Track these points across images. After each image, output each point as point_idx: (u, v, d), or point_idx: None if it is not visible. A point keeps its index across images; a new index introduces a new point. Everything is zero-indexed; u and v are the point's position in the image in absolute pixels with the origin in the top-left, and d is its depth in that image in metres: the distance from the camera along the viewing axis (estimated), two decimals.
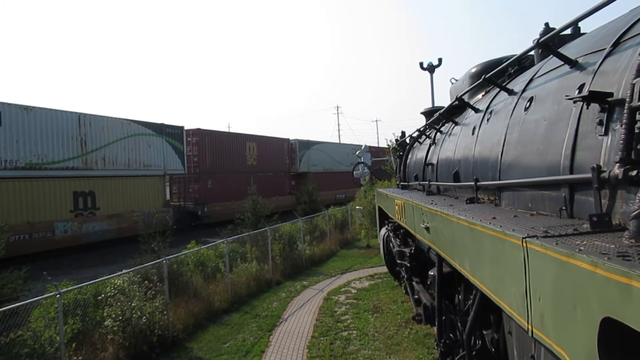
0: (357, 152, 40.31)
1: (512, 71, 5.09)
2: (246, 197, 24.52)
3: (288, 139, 38.00)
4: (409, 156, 10.36)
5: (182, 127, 26.75)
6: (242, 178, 29.88)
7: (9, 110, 17.19)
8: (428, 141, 8.10)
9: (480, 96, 6.10)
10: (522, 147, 3.41)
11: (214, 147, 29.40)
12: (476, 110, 5.37)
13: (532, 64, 4.56)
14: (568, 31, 3.73)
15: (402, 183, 10.55)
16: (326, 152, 42.88)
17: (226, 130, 53.94)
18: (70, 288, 7.73)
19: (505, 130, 3.81)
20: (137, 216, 22.74)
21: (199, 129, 28.43)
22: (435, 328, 6.21)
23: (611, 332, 1.52)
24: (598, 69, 2.60)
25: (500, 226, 2.59)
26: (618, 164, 1.98)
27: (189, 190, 28.13)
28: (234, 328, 9.51)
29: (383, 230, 11.35)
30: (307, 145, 40.40)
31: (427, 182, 7.08)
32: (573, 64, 3.00)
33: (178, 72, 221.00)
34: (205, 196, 27.81)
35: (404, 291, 10.54)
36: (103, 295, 8.45)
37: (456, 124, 6.25)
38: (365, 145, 40.61)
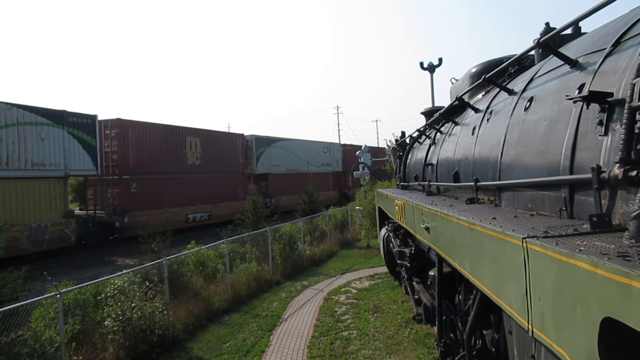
0: (357, 152, 40.12)
1: (512, 71, 5.09)
2: (185, 204, 23.43)
3: (242, 135, 32.18)
4: (409, 156, 10.36)
5: (94, 116, 20.73)
6: (180, 181, 25.32)
7: None
8: (428, 141, 8.10)
9: (480, 96, 6.10)
10: (522, 147, 3.41)
11: (141, 142, 23.31)
12: (476, 110, 5.37)
13: (532, 64, 4.56)
14: (568, 31, 3.73)
15: (402, 183, 10.55)
16: (291, 150, 37.23)
17: (226, 130, 51.45)
18: (70, 288, 7.73)
19: (505, 130, 3.81)
20: (19, 231, 16.72)
21: (119, 119, 22.46)
22: (435, 328, 6.21)
23: (611, 332, 1.52)
24: (598, 68, 2.60)
25: (500, 226, 2.59)
26: (618, 164, 1.98)
27: (107, 195, 22.21)
28: (234, 328, 9.51)
29: (383, 231, 11.35)
30: (266, 142, 34.81)
31: (427, 183, 7.07)
32: (573, 63, 3.00)
33: (178, 72, 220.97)
34: (127, 203, 21.93)
35: (404, 291, 10.54)
36: (102, 295, 8.46)
37: (456, 124, 6.25)
38: (366, 146, 40.45)
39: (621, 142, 1.98)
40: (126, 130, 22.61)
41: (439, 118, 7.12)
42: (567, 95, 2.68)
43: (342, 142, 66.77)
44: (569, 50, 3.25)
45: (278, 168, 35.22)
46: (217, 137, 29.70)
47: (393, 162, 21.29)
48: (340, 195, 42.01)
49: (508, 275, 2.48)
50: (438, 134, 7.43)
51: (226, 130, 52.95)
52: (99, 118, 21.36)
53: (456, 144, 5.72)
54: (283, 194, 33.99)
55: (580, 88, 2.68)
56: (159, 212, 23.08)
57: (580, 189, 2.56)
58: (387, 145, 28.48)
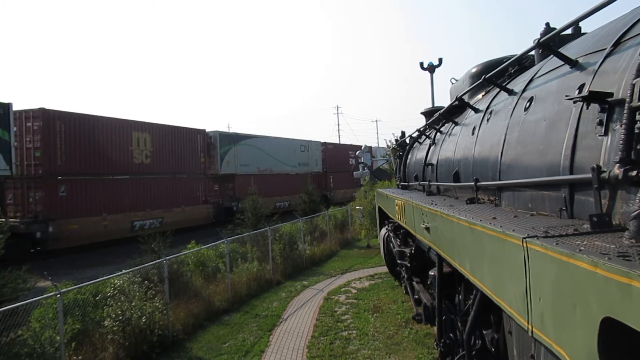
0: (357, 152, 40.06)
1: (512, 71, 5.09)
2: (131, 210, 20.25)
3: (204, 130, 27.99)
4: (409, 156, 10.36)
5: (7, 105, 16.98)
6: (124, 182, 21.66)
7: None
8: (428, 141, 8.10)
9: (480, 96, 6.10)
10: (522, 147, 3.41)
11: (73, 137, 19.36)
12: (476, 111, 5.37)
13: (532, 64, 4.56)
14: (569, 31, 3.73)
15: (402, 183, 10.55)
16: (263, 148, 33.25)
17: (226, 130, 49.92)
18: (70, 288, 7.73)
19: (505, 131, 3.81)
20: None
21: (43, 109, 18.48)
22: (435, 328, 6.21)
23: (611, 332, 1.52)
24: (598, 69, 2.60)
25: (501, 226, 2.59)
26: (618, 164, 1.98)
27: (29, 200, 18.25)
28: (234, 328, 9.51)
29: (383, 231, 11.35)
30: (233, 139, 30.70)
31: (427, 183, 7.07)
32: (573, 64, 3.00)
33: (178, 72, 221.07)
34: (52, 209, 18.18)
35: (404, 291, 10.54)
36: (101, 295, 8.46)
37: (456, 124, 6.25)
38: (366, 146, 40.45)
39: (621, 142, 1.98)
40: (52, 123, 18.60)
41: (439, 118, 7.12)
42: (567, 96, 2.68)
43: (341, 142, 62.53)
44: (569, 50, 3.25)
45: (247, 168, 31.05)
46: (173, 132, 25.52)
47: (393, 162, 21.28)
48: (320, 198, 40.07)
49: (508, 275, 2.48)
50: (438, 134, 7.43)
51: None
52: (16, 107, 17.99)
53: (456, 144, 5.72)
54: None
55: (580, 88, 2.68)
56: (95, 220, 19.57)
57: (580, 189, 2.56)
58: (388, 145, 28.32)
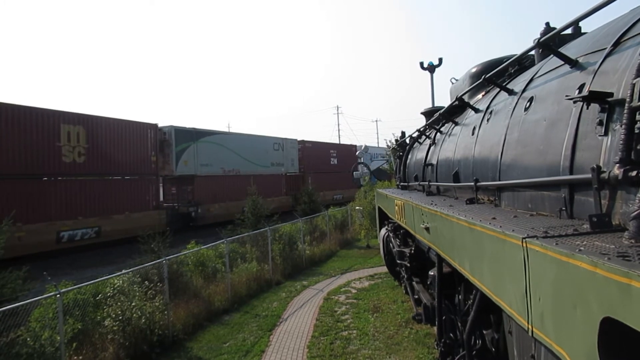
0: (357, 152, 39.92)
1: (512, 71, 5.10)
2: (57, 218, 16.94)
3: (156, 125, 23.92)
4: (409, 156, 10.36)
5: None
6: (49, 185, 18.16)
7: None
8: (428, 141, 8.10)
9: (480, 96, 6.10)
10: (522, 148, 3.41)
11: None
12: (476, 111, 5.37)
13: (532, 64, 4.56)
14: (569, 31, 3.74)
15: (402, 183, 10.55)
16: (228, 146, 29.34)
17: (226, 130, 47.51)
18: (70, 288, 7.73)
19: (505, 131, 3.81)
20: None
21: None
22: (435, 328, 6.21)
23: (611, 332, 1.52)
24: (598, 68, 2.60)
25: (500, 226, 2.59)
26: (618, 165, 1.98)
27: None
28: (234, 328, 9.51)
29: (383, 231, 11.35)
30: (192, 135, 26.67)
31: (427, 183, 7.07)
32: (573, 63, 3.00)
33: (178, 72, 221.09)
34: None
35: (404, 291, 10.54)
36: (101, 295, 8.46)
37: (456, 124, 6.25)
38: (366, 146, 40.34)
39: (621, 142, 1.98)
40: None
41: (439, 118, 7.12)
42: (567, 95, 2.68)
43: (340, 142, 60.86)
44: (569, 50, 3.25)
45: (208, 168, 27.30)
46: (115, 126, 21.30)
47: (393, 162, 21.27)
48: (295, 202, 32.99)
49: (508, 275, 2.48)
50: (438, 134, 7.43)
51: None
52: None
53: (456, 144, 5.72)
54: (216, 200, 26.99)
55: (581, 88, 2.68)
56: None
57: (580, 189, 2.56)
58: (388, 145, 28.17)
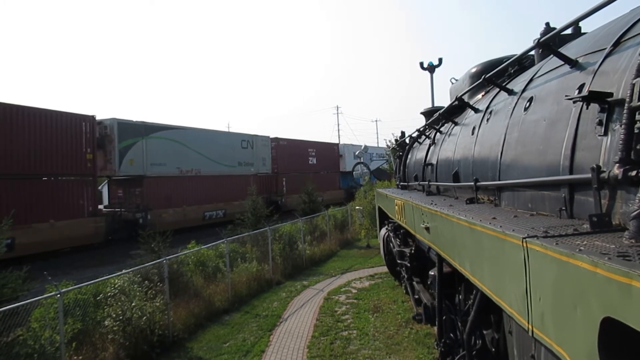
0: (357, 152, 39.80)
1: (512, 71, 5.10)
2: None
3: (93, 117, 20.28)
4: (409, 156, 10.36)
5: None
6: None
7: None
8: (428, 141, 8.10)
9: (480, 96, 6.10)
10: (521, 147, 3.41)
11: None
12: (476, 111, 5.37)
13: (532, 64, 4.56)
14: (568, 31, 3.73)
15: (401, 183, 10.55)
16: (186, 143, 25.63)
17: (226, 130, 46.01)
18: (70, 288, 7.73)
19: (505, 131, 3.81)
20: None
21: None
22: (435, 328, 6.21)
23: (611, 332, 1.52)
24: (598, 69, 2.60)
25: (500, 226, 2.59)
26: (618, 164, 1.98)
27: None
28: (234, 328, 9.51)
29: (383, 231, 11.35)
30: (140, 130, 22.91)
31: (426, 183, 7.08)
32: (573, 63, 3.00)
33: (178, 72, 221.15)
34: None
35: (404, 291, 10.55)
36: (102, 295, 8.46)
37: (456, 124, 6.25)
38: (365, 146, 40.13)
39: (621, 142, 1.98)
40: None
41: (439, 118, 7.12)
42: (567, 95, 2.68)
43: (339, 142, 57.88)
44: (569, 50, 3.25)
45: (161, 168, 23.84)
46: (37, 118, 17.71)
47: (393, 162, 21.27)
48: (267, 205, 27.46)
49: (508, 275, 2.48)
50: (438, 134, 7.43)
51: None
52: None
53: (456, 144, 5.72)
54: (171, 204, 23.84)
55: (580, 88, 2.68)
56: None
57: (580, 189, 2.56)
58: (388, 145, 28.07)
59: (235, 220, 17.48)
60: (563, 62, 3.11)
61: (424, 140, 8.98)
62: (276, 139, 34.74)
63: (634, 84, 1.99)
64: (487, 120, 4.60)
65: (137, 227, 20.60)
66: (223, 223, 22.96)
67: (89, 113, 20.99)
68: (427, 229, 4.88)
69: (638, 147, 1.95)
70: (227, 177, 28.31)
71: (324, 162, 39.88)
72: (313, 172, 37.57)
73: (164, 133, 24.56)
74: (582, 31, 4.03)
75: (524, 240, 2.17)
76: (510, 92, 4.19)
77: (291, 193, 32.78)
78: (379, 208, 11.86)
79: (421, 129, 9.21)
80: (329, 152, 41.87)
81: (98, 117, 20.99)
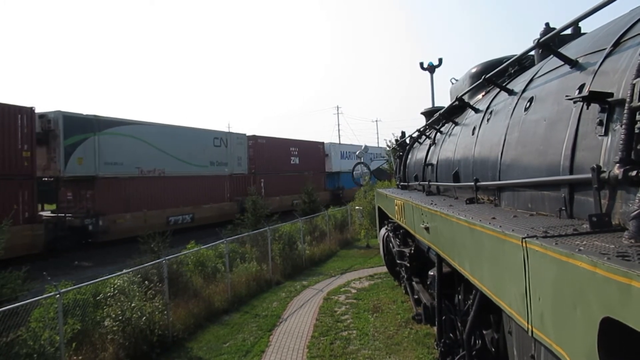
0: (357, 152, 39.51)
1: (512, 71, 5.10)
2: None
3: (31, 109, 17.77)
4: (409, 156, 10.36)
5: None
6: None
7: None
8: (428, 141, 8.10)
9: (480, 96, 6.11)
10: (522, 148, 3.41)
11: None
12: (476, 111, 5.37)
13: (532, 64, 4.56)
14: (568, 31, 3.74)
15: (401, 183, 10.55)
16: (149, 140, 23.09)
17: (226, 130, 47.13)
18: (69, 288, 7.73)
19: (505, 131, 3.81)
20: None
21: None
22: (435, 328, 6.21)
23: (611, 332, 1.52)
24: (598, 69, 2.60)
25: (500, 226, 2.59)
26: (618, 164, 1.98)
27: None
28: (234, 328, 9.51)
29: (383, 231, 11.35)
30: (91, 125, 20.20)
31: (427, 183, 7.07)
32: (573, 64, 3.00)
33: (178, 72, 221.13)
34: None
35: (403, 291, 10.54)
36: (102, 295, 8.46)
37: (456, 124, 6.25)
38: (365, 146, 39.79)
39: (621, 142, 1.98)
40: None
41: (439, 118, 7.12)
42: (567, 96, 2.68)
43: (340, 141, 55.73)
44: (569, 50, 3.25)
45: (117, 168, 21.28)
46: None
47: (393, 162, 21.26)
48: (241, 208, 25.90)
49: (508, 275, 2.48)
50: (438, 134, 7.43)
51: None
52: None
53: (456, 144, 5.72)
54: (128, 209, 21.48)
55: (581, 88, 2.68)
56: None
57: (580, 189, 2.56)
58: (388, 145, 27.96)
59: (207, 225, 15.99)
60: (563, 62, 3.11)
61: (424, 140, 8.97)
62: (254, 137, 32.25)
63: (634, 84, 1.99)
64: (488, 120, 4.60)
65: (86, 235, 19.13)
66: (190, 229, 22.12)
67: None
68: (427, 229, 4.88)
69: (638, 147, 1.95)
70: (196, 178, 25.80)
71: (307, 161, 37.46)
72: (295, 173, 35.23)
73: (121, 129, 21.82)
74: (582, 31, 4.03)
75: (524, 240, 2.17)
76: (511, 92, 4.19)
77: (270, 195, 30.17)
78: (379, 208, 11.86)
79: (421, 129, 9.21)
80: (314, 152, 39.21)
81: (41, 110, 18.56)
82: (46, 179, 19.94)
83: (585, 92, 2.44)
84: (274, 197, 30.52)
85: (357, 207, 21.64)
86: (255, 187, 28.80)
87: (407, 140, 11.14)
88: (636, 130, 1.95)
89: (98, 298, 8.45)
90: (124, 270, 9.11)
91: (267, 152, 32.86)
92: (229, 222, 18.84)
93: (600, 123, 2.34)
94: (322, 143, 41.62)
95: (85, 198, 20.42)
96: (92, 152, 20.24)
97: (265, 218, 17.25)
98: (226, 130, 31.05)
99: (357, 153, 38.33)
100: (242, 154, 30.38)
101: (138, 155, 22.45)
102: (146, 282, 9.18)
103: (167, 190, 23.76)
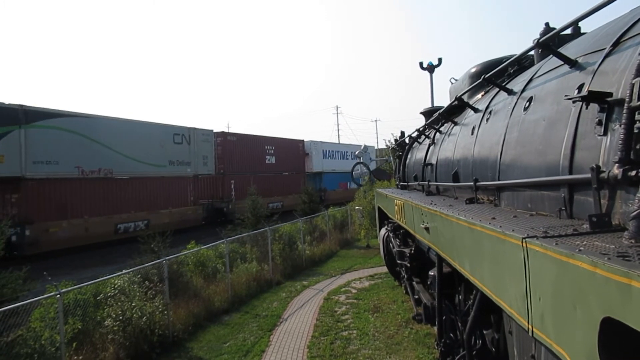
0: (357, 152, 39.30)
1: (511, 71, 5.10)
2: None
3: None
4: (408, 156, 10.36)
5: None
6: None
7: None
8: (427, 141, 8.10)
9: (479, 96, 6.11)
10: (521, 147, 3.41)
11: None
12: (476, 110, 5.37)
13: (531, 64, 4.56)
14: (568, 31, 3.74)
15: (401, 183, 10.55)
16: (92, 136, 20.01)
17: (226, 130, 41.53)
18: (70, 288, 7.73)
19: (505, 130, 3.81)
20: None
21: None
22: (435, 328, 6.21)
23: (611, 332, 1.52)
24: (598, 68, 2.60)
25: (500, 226, 2.59)
26: (617, 164, 1.98)
27: None
28: (234, 328, 9.51)
29: (383, 231, 11.35)
30: (16, 116, 17.18)
31: (426, 183, 7.08)
32: (573, 63, 3.00)
33: (178, 72, 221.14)
34: None
35: (404, 291, 10.55)
36: (102, 295, 8.46)
37: (455, 124, 6.26)
38: (365, 145, 39.50)
39: (620, 142, 1.98)
40: None
41: (439, 118, 7.12)
42: (566, 95, 2.68)
43: (338, 141, 54.53)
44: (568, 50, 3.25)
45: (51, 167, 18.21)
46: None
47: (393, 162, 21.26)
48: (208, 213, 25.36)
49: (508, 275, 2.48)
50: (437, 133, 7.43)
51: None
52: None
53: (455, 143, 5.72)
54: (65, 216, 18.52)
55: (580, 88, 2.69)
56: None
57: (579, 189, 2.56)
58: (387, 145, 27.87)
59: (164, 232, 12.65)
60: (563, 62, 3.11)
61: (423, 140, 8.97)
62: (222, 134, 29.23)
63: (633, 84, 2.00)
64: (487, 120, 4.61)
65: (14, 248, 15.88)
66: (132, 240, 17.90)
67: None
68: (427, 229, 4.88)
69: (638, 147, 1.95)
70: (152, 179, 22.68)
71: (285, 161, 34.32)
72: (271, 173, 32.49)
73: (56, 121, 18.47)
74: (582, 31, 4.04)
75: (524, 240, 2.17)
76: (510, 92, 4.19)
77: (242, 198, 26.03)
78: (379, 208, 11.86)
79: (421, 129, 9.21)
80: (292, 150, 35.88)
81: None
82: None
83: (584, 92, 2.44)
84: (242, 201, 26.70)
85: (357, 207, 21.65)
86: (224, 189, 27.06)
87: (407, 140, 11.14)
88: (635, 130, 1.95)
89: (98, 298, 8.46)
90: (125, 270, 9.12)
91: (238, 150, 29.61)
92: (193, 229, 17.02)
93: (600, 123, 2.35)
94: (302, 141, 38.08)
95: (10, 203, 17.31)
96: (16, 149, 17.03)
97: (266, 218, 17.24)
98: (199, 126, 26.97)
99: (356, 153, 38.09)
100: (208, 153, 27.21)
101: (78, 152, 19.24)
102: (146, 282, 9.18)
103: (116, 194, 20.59)
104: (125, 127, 21.89)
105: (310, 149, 38.46)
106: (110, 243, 10.38)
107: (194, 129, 26.40)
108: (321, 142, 40.79)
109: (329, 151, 41.93)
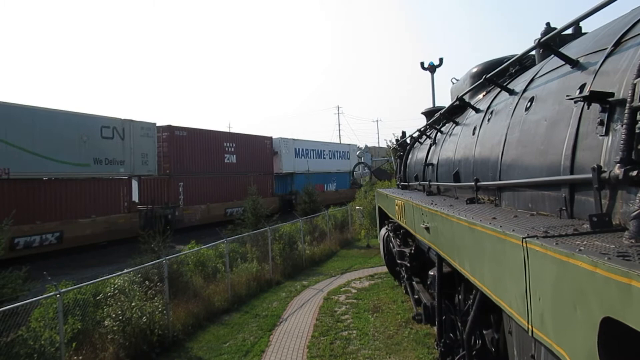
0: (357, 153, 39.20)
1: (513, 71, 5.10)
2: None
3: None
4: (409, 156, 10.36)
5: None
6: None
7: None
8: (428, 141, 8.10)
9: (481, 96, 6.10)
10: (522, 147, 3.41)
11: None
12: (477, 111, 5.37)
13: (533, 64, 4.56)
14: (569, 31, 3.73)
15: (402, 183, 10.55)
16: (52, 130, 17.82)
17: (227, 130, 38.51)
18: (70, 288, 7.72)
19: (506, 131, 3.81)
20: None
21: None
22: (435, 328, 6.20)
23: (611, 332, 1.52)
24: (599, 69, 2.60)
25: (501, 226, 2.59)
26: (618, 164, 1.97)
27: None
28: (234, 328, 9.51)
29: (383, 231, 11.34)
30: None
31: (427, 183, 7.07)
32: (574, 63, 3.00)
33: (179, 72, 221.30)
34: None
35: (404, 291, 10.54)
36: (102, 295, 8.46)
37: (457, 124, 6.25)
38: (366, 146, 39.38)
39: (622, 142, 1.98)
40: None
41: (440, 118, 7.12)
42: (568, 95, 2.68)
43: (340, 140, 52.21)
44: (569, 50, 3.25)
45: None
46: None
47: (394, 162, 21.26)
48: (146, 220, 21.04)
49: (508, 275, 2.48)
50: (439, 134, 7.43)
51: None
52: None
53: (457, 144, 5.72)
54: (20, 221, 14.96)
55: (581, 88, 2.68)
56: None
57: (580, 189, 2.56)
58: (388, 145, 27.85)
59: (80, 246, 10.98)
60: (564, 62, 3.10)
61: (424, 140, 8.97)
62: (169, 127, 24.60)
63: (635, 84, 1.99)
64: (488, 120, 4.60)
65: None
66: (56, 253, 16.37)
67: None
68: (427, 229, 4.88)
69: (639, 147, 1.95)
70: (67, 181, 18.69)
71: (249, 160, 30.01)
72: (231, 175, 28.19)
73: None
74: (583, 31, 4.03)
75: (524, 240, 2.17)
76: (511, 92, 4.18)
77: (193, 203, 24.07)
78: (379, 208, 11.86)
79: (422, 129, 9.21)
80: (258, 148, 31.55)
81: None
82: None
83: (586, 92, 2.43)
84: (198, 205, 24.62)
85: (357, 207, 21.65)
86: (171, 192, 23.58)
87: (408, 140, 11.14)
88: (637, 130, 1.95)
89: (98, 298, 8.45)
90: (124, 270, 9.11)
91: (188, 147, 25.38)
92: (126, 241, 13.84)
93: (601, 123, 2.34)
94: (270, 138, 33.55)
95: None
96: None
97: (266, 218, 17.24)
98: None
99: (357, 153, 37.95)
100: (149, 150, 22.77)
101: (18, 155, 16.32)
102: (146, 282, 9.18)
103: (14, 199, 16.00)
104: (31, 118, 17.19)
105: (279, 147, 33.87)
106: (3, 263, 8.80)
107: (131, 121, 21.97)
108: (293, 139, 36.05)
109: (303, 150, 36.87)
